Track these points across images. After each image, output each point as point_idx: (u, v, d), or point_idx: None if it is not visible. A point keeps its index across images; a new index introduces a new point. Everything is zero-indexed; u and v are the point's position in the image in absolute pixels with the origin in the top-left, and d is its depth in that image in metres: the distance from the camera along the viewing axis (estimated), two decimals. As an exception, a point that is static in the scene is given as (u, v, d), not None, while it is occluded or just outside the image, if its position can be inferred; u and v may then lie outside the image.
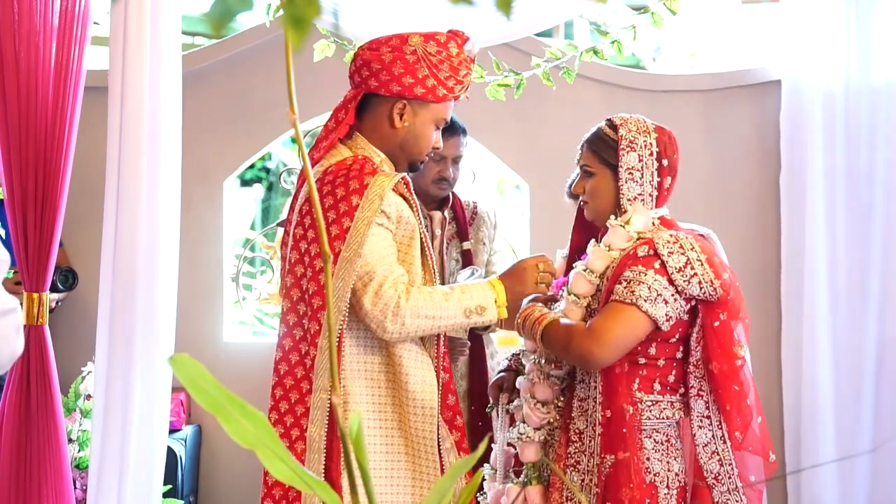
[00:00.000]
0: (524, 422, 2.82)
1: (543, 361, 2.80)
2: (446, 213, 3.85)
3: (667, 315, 2.62)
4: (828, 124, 4.27)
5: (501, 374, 3.03)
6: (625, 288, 2.63)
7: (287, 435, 2.68)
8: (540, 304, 2.81)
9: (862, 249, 4.25)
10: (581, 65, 3.88)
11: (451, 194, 3.89)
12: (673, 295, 2.62)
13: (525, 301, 2.83)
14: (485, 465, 3.00)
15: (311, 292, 2.66)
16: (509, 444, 2.92)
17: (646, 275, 2.61)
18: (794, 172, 4.32)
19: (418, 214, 2.74)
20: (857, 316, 4.24)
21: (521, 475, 2.85)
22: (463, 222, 3.87)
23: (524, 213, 4.71)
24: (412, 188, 2.75)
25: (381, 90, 2.72)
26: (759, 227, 4.51)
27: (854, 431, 4.23)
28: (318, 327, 2.63)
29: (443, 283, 3.57)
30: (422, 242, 2.74)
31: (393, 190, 2.66)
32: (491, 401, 3.05)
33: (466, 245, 3.85)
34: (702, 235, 3.02)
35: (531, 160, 4.67)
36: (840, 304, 4.24)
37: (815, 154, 4.25)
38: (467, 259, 3.83)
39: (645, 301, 2.60)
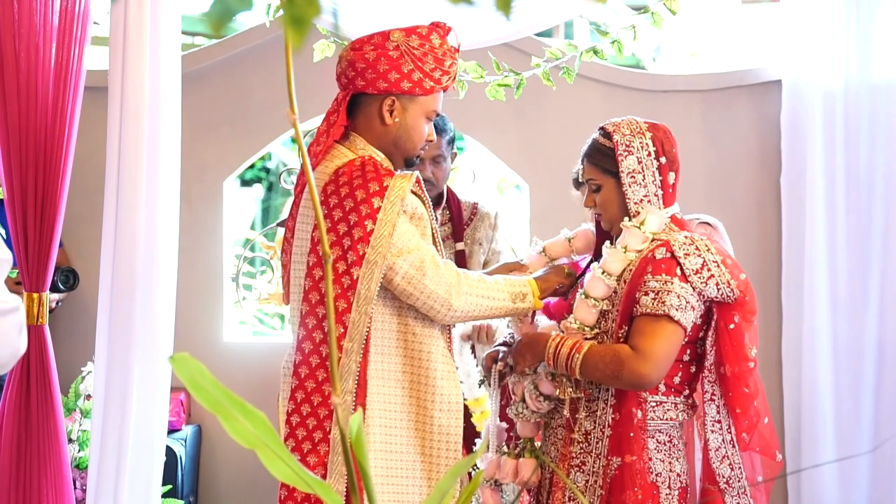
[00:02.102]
0: (524, 400, 2.81)
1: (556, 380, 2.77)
2: (439, 213, 3.84)
3: (692, 321, 2.64)
4: (828, 124, 4.26)
5: (497, 347, 3.01)
6: (653, 299, 2.61)
7: (309, 438, 2.67)
8: (557, 332, 2.77)
9: (862, 249, 4.25)
10: (581, 65, 3.88)
11: (447, 195, 3.87)
12: (697, 301, 2.63)
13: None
14: (476, 440, 3.00)
15: (332, 295, 2.66)
16: (502, 419, 2.91)
17: (672, 283, 2.61)
18: (795, 172, 4.32)
19: (430, 211, 2.78)
20: (858, 316, 4.24)
21: (516, 447, 2.85)
22: (458, 223, 3.85)
23: (524, 212, 4.71)
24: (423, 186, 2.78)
25: (368, 88, 2.73)
26: (760, 227, 4.51)
27: (854, 431, 4.23)
28: (342, 330, 2.63)
29: None
30: (433, 241, 2.77)
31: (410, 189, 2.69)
32: (483, 373, 3.03)
33: (460, 246, 3.83)
34: (706, 223, 3.03)
35: (531, 160, 4.67)
36: (840, 303, 4.24)
37: (815, 154, 4.25)
38: (459, 260, 3.81)
39: (676, 310, 2.60)
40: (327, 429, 2.66)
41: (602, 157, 2.76)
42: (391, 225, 2.60)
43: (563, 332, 2.74)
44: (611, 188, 2.75)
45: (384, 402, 2.70)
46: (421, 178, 2.77)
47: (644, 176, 2.72)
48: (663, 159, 2.73)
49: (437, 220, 3.83)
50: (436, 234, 2.78)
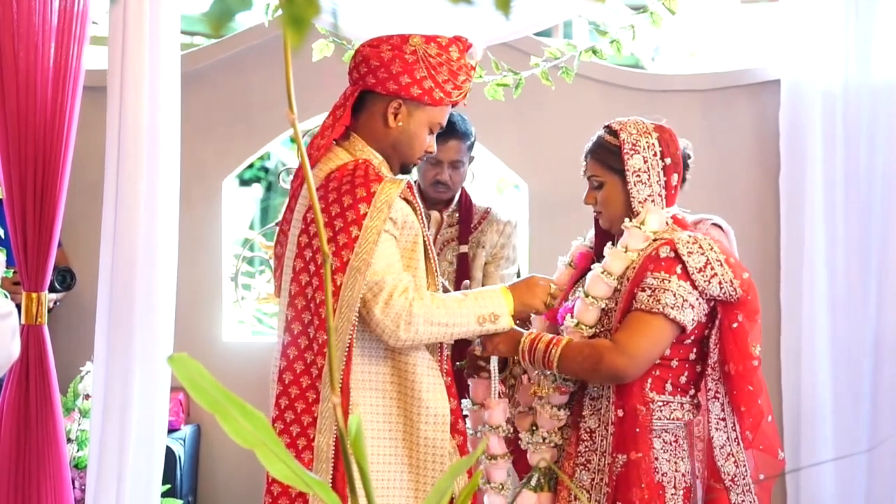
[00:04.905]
0: (535, 428, 2.80)
1: (547, 390, 2.76)
2: (446, 215, 3.83)
3: (693, 319, 2.63)
4: (827, 124, 4.26)
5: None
6: (649, 296, 2.61)
7: (293, 445, 2.65)
8: (532, 330, 2.78)
9: (861, 249, 4.25)
10: (580, 64, 3.88)
11: (461, 196, 3.87)
12: (697, 299, 2.62)
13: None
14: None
15: (317, 301, 2.63)
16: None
17: (670, 282, 2.61)
18: (794, 172, 4.32)
19: (422, 219, 2.73)
20: (856, 315, 4.24)
21: (533, 480, 2.83)
22: (465, 226, 3.84)
23: (523, 212, 4.71)
24: (415, 191, 2.73)
25: (377, 88, 2.70)
26: (759, 227, 4.51)
27: (852, 431, 4.23)
28: (325, 337, 2.60)
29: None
30: (425, 247, 2.73)
31: (399, 195, 2.64)
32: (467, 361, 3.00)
33: (464, 248, 3.82)
34: (717, 225, 3.03)
35: (530, 160, 4.66)
36: (839, 303, 4.24)
37: (814, 154, 4.25)
38: (462, 262, 3.80)
39: (672, 308, 2.60)
40: (311, 436, 2.63)
41: (607, 155, 2.75)
42: (376, 232, 2.56)
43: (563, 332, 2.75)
44: (614, 186, 2.75)
45: (370, 411, 2.66)
46: (413, 185, 2.72)
47: (649, 175, 2.72)
48: (668, 160, 2.73)
49: (443, 221, 3.84)
50: (427, 242, 2.73)
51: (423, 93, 2.70)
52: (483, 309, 2.67)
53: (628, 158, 2.71)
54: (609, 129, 2.78)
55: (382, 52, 2.69)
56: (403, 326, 2.58)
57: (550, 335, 2.71)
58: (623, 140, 2.73)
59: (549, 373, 2.73)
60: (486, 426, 2.87)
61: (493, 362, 2.87)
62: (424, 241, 2.73)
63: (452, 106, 2.79)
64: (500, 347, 2.76)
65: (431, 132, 2.79)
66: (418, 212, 2.71)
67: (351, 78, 2.77)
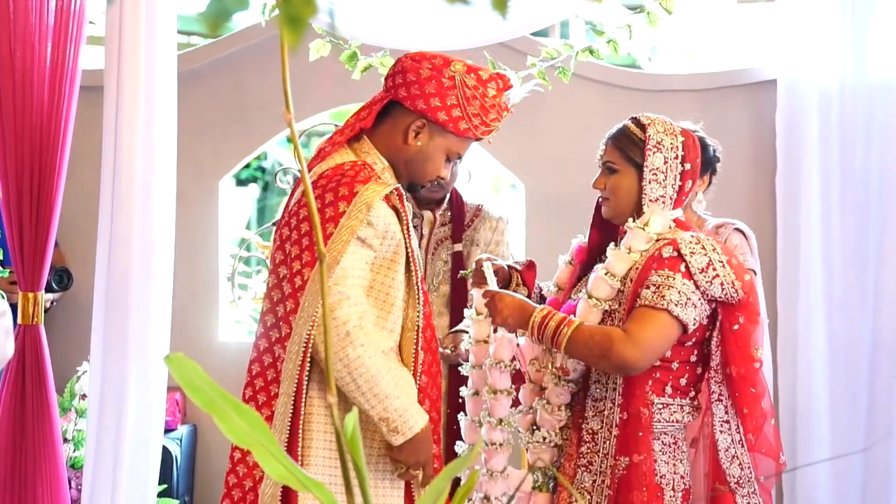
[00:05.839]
0: (536, 427, 2.79)
1: (552, 369, 2.76)
2: (439, 214, 3.81)
3: (695, 319, 2.63)
4: (824, 124, 4.27)
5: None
6: (654, 293, 2.60)
7: None
8: (545, 306, 2.77)
9: (858, 249, 4.25)
10: (577, 64, 3.88)
11: (452, 195, 3.86)
12: (700, 299, 2.62)
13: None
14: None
15: (286, 293, 2.59)
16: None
17: (674, 279, 2.60)
18: (790, 171, 4.32)
19: (408, 229, 2.65)
20: (853, 315, 4.25)
21: (532, 480, 2.83)
22: (458, 224, 3.83)
23: (520, 212, 4.71)
24: (405, 199, 2.67)
25: (406, 102, 2.67)
26: (755, 227, 4.48)
27: (849, 430, 4.24)
28: (288, 330, 2.56)
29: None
30: (408, 259, 2.66)
31: (385, 200, 2.59)
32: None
33: (458, 247, 3.81)
34: (738, 230, 2.99)
35: (527, 159, 4.66)
36: (835, 303, 4.24)
37: (810, 153, 4.26)
38: (456, 261, 3.79)
39: (676, 305, 2.58)
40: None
41: (630, 145, 2.73)
42: (350, 231, 2.51)
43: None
44: (627, 177, 2.73)
45: (325, 412, 2.60)
46: (403, 192, 2.66)
47: (666, 176, 2.70)
48: (688, 165, 2.72)
49: (436, 220, 3.83)
50: (411, 255, 2.66)
51: (450, 120, 2.66)
52: (398, 414, 2.53)
53: (650, 155, 2.70)
54: (637, 122, 2.76)
55: (421, 69, 2.66)
56: (337, 343, 2.49)
57: (563, 314, 2.69)
58: (649, 136, 2.71)
59: (555, 353, 2.72)
60: (490, 360, 2.83)
61: (491, 280, 2.86)
62: (408, 253, 2.65)
63: (476, 140, 2.76)
64: (508, 321, 2.73)
65: (448, 160, 2.75)
66: (404, 221, 2.65)
67: (385, 85, 2.74)
